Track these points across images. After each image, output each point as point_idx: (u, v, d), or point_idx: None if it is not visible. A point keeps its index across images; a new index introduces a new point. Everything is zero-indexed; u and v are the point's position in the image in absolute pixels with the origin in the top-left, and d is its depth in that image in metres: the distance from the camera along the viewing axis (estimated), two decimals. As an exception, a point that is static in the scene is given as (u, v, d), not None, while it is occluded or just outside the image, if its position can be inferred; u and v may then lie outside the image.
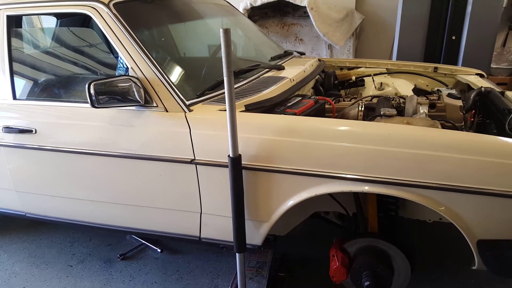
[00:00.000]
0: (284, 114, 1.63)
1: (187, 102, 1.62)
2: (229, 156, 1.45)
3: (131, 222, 1.88)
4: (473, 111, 1.87)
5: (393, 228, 1.72)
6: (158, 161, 1.63)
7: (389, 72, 2.57)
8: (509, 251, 1.32)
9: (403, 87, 2.40)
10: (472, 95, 1.95)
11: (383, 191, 1.37)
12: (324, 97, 1.89)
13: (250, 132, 1.51)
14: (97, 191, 1.82)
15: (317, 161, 1.43)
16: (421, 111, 1.66)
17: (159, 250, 2.36)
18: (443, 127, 1.56)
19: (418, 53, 3.16)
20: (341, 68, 2.59)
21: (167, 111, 1.61)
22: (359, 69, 2.56)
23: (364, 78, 2.43)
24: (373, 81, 2.34)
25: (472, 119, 1.85)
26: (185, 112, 1.59)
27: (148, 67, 1.63)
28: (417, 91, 2.32)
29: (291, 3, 3.70)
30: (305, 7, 3.61)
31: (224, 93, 1.40)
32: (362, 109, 1.80)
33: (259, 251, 2.06)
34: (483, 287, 1.95)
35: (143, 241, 2.43)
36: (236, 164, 1.47)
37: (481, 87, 2.01)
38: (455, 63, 3.09)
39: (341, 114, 1.87)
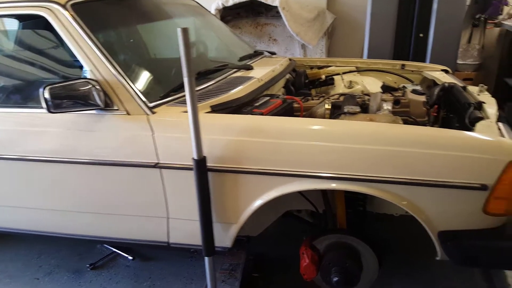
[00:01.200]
0: (251, 114, 1.61)
1: (150, 105, 1.58)
2: (193, 158, 1.42)
3: (98, 231, 1.82)
4: (436, 106, 1.90)
5: (361, 224, 1.73)
6: (121, 166, 1.58)
7: (359, 70, 2.59)
8: (467, 241, 1.36)
9: (372, 84, 2.42)
10: (436, 91, 1.98)
11: (348, 187, 1.38)
12: (292, 97, 1.89)
13: (216, 133, 1.48)
14: (61, 200, 1.75)
15: (284, 160, 1.42)
16: (385, 108, 1.68)
17: (130, 258, 2.29)
18: (406, 122, 1.58)
19: (388, 51, 3.21)
20: (311, 67, 2.60)
21: (128, 114, 1.57)
22: (329, 68, 2.57)
23: (334, 76, 2.45)
24: (342, 79, 2.36)
25: (435, 114, 1.88)
26: (148, 114, 1.55)
27: (107, 69, 1.58)
28: (385, 88, 2.35)
29: (263, 3, 3.70)
30: (277, 7, 3.62)
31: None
32: (329, 107, 1.81)
33: (232, 253, 2.03)
34: (451, 278, 1.99)
35: (114, 249, 2.36)
36: (201, 167, 1.44)
37: (445, 82, 2.05)
38: (423, 60, 3.16)
39: (309, 113, 1.87)
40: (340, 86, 2.40)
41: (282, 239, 2.33)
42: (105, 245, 2.37)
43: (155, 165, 1.54)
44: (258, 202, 1.51)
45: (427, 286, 1.96)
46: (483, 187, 1.28)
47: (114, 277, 2.18)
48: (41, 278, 2.20)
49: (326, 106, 1.81)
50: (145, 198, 1.63)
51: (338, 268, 1.57)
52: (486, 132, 1.38)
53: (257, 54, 2.41)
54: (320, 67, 2.55)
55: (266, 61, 2.34)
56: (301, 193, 1.68)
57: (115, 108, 1.57)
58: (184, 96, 1.66)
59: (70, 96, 1.46)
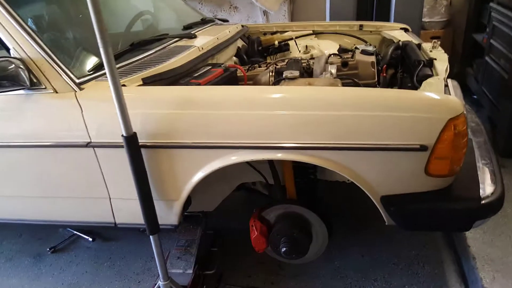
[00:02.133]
0: (188, 85, 1.53)
1: (77, 81, 1.48)
2: (122, 135, 1.35)
3: (44, 215, 1.75)
4: (385, 66, 1.83)
5: (313, 193, 1.69)
6: (54, 147, 1.50)
7: (315, 33, 2.49)
8: (411, 205, 1.31)
9: (329, 48, 2.33)
10: (390, 50, 1.91)
11: (284, 157, 1.32)
12: (235, 65, 1.79)
13: (148, 107, 1.40)
14: (4, 185, 1.68)
15: (220, 132, 1.36)
16: (328, 71, 1.60)
17: (90, 239, 2.26)
18: (347, 85, 1.51)
19: (351, 12, 3.08)
20: (265, 33, 2.48)
21: (56, 92, 1.47)
22: (285, 34, 2.46)
23: (289, 42, 2.34)
24: (297, 44, 2.26)
25: (385, 75, 1.81)
26: (75, 91, 1.46)
27: (31, 46, 1.46)
28: (342, 51, 2.26)
29: (222, -32, 3.51)
30: (236, -28, 3.44)
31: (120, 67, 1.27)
32: (273, 74, 1.72)
33: (188, 229, 2.00)
34: (412, 242, 1.99)
35: (75, 232, 2.32)
36: (131, 144, 1.36)
37: (399, 41, 1.97)
38: (387, 20, 3.05)
39: (254, 81, 1.79)
40: (296, 52, 2.30)
41: (244, 212, 2.31)
42: (68, 228, 2.33)
43: (87, 145, 1.46)
44: (199, 176, 1.45)
45: (387, 253, 1.95)
46: (422, 148, 1.21)
47: (74, 259, 2.15)
48: (2, 264, 2.16)
49: (270, 73, 1.72)
50: (83, 179, 1.56)
51: (286, 238, 1.55)
52: (430, 90, 1.32)
53: (205, 22, 2.28)
54: (274, 33, 2.44)
55: (214, 29, 2.23)
56: (250, 164, 1.63)
57: (43, 86, 1.47)
58: (118, 68, 1.58)
59: (-7, 78, 1.36)
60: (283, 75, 1.54)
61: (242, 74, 1.77)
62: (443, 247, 1.96)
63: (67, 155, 1.51)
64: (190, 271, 1.71)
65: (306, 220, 1.59)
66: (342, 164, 1.29)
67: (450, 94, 1.31)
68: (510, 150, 2.32)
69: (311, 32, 2.46)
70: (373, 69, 1.74)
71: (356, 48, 1.97)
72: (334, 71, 1.62)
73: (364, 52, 1.82)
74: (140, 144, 1.39)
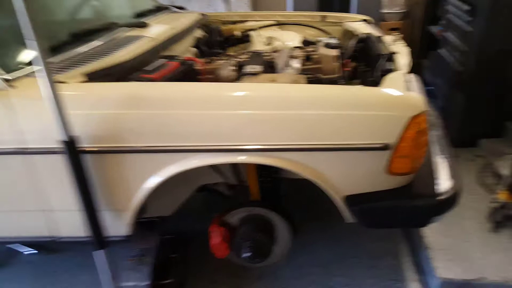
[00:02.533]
0: (139, 81, 1.38)
1: (8, 77, 1.28)
2: (60, 140, 1.18)
3: None
4: (347, 60, 1.77)
5: (276, 193, 1.61)
6: None
7: (278, 24, 2.39)
8: (373, 204, 1.28)
9: (292, 40, 2.24)
10: (352, 43, 1.85)
11: (244, 159, 1.23)
12: (192, 57, 1.65)
13: (92, 107, 1.24)
14: None
15: (177, 134, 1.23)
16: (292, 66, 1.51)
17: (33, 252, 2.03)
18: (311, 81, 1.43)
19: (313, 2, 3.01)
20: (225, 23, 2.35)
21: (-16, 92, 1.26)
22: (246, 23, 2.34)
23: (250, 32, 2.22)
24: (258, 35, 2.15)
25: (348, 69, 1.75)
26: (7, 90, 1.26)
27: None
28: (306, 43, 2.18)
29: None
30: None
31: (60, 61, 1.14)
32: (234, 68, 1.60)
33: (143, 237, 1.86)
34: (371, 236, 1.99)
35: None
36: (70, 149, 1.20)
37: (361, 33, 1.92)
38: (348, 10, 3.01)
39: (214, 76, 1.66)
40: (258, 43, 2.19)
41: (206, 212, 2.19)
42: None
43: (23, 151, 1.28)
44: (154, 181, 1.31)
45: (349, 247, 1.95)
46: (385, 147, 1.18)
47: (12, 277, 1.93)
48: None
49: (231, 66, 1.60)
50: (19, 190, 1.37)
51: (250, 242, 1.46)
52: (392, 86, 1.27)
53: (159, 9, 2.10)
54: (235, 23, 2.31)
55: (170, 17, 2.06)
56: (211, 165, 1.51)
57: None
58: (56, 64, 1.40)
59: None
60: (246, 70, 1.43)
61: (201, 67, 1.63)
62: (401, 239, 2.01)
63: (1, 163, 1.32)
64: (145, 283, 1.58)
65: (270, 222, 1.51)
66: (307, 166, 1.22)
67: (411, 90, 1.26)
68: (462, 140, 2.41)
69: (274, 22, 2.35)
70: (336, 63, 1.67)
71: (319, 41, 1.89)
72: (297, 65, 1.54)
73: (327, 45, 1.74)
74: (83, 149, 1.24)
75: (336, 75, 1.66)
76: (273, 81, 1.34)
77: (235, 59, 1.70)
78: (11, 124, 1.25)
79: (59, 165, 1.27)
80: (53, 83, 1.11)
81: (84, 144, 1.23)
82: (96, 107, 1.24)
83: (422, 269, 1.78)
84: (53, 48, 1.42)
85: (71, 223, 1.42)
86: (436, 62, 2.95)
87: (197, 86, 1.27)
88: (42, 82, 1.10)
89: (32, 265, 1.99)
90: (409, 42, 1.85)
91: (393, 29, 3.63)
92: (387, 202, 1.28)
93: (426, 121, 1.17)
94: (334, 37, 2.02)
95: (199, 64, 1.64)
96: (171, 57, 1.62)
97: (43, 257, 2.04)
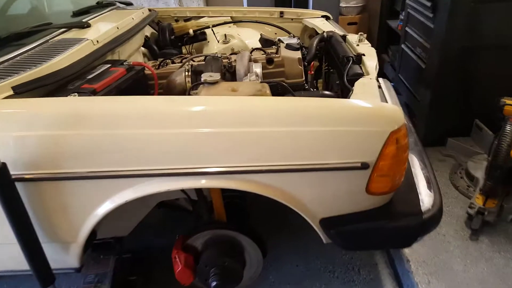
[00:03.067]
0: (78, 93, 1.19)
1: None
2: (-16, 169, 0.98)
3: None
4: (312, 63, 1.67)
5: (243, 213, 1.49)
6: None
7: (234, 22, 2.25)
8: (351, 226, 1.18)
9: (250, 37, 2.12)
10: (315, 43, 1.75)
11: (204, 184, 1.09)
12: (140, 62, 1.47)
13: (21, 128, 1.05)
14: None
15: (123, 157, 1.06)
16: (253, 71, 1.38)
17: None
18: (275, 90, 1.32)
19: (269, -4, 2.89)
20: (177, 20, 2.17)
21: None
22: (200, 20, 2.17)
23: (205, 30, 2.07)
24: (214, 33, 1.99)
25: (312, 72, 1.66)
26: None
27: None
28: (265, 42, 2.05)
29: None
30: None
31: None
32: (189, 74, 1.45)
33: (99, 261, 1.67)
34: (336, 248, 1.91)
35: None
36: (0, 178, 1.01)
37: (323, 32, 1.83)
38: (305, 5, 2.92)
39: (167, 82, 1.50)
40: (214, 42, 2.04)
41: (167, 226, 2.03)
42: None
43: None
44: (105, 207, 1.14)
45: (322, 260, 1.82)
46: (363, 166, 1.07)
47: None
48: None
49: (186, 72, 1.45)
50: None
51: (216, 269, 1.33)
52: (364, 94, 1.18)
53: (102, 6, 1.88)
54: (187, 19, 2.14)
55: (115, 15, 1.84)
56: None
57: None
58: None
59: None
60: (202, 79, 1.28)
61: (151, 72, 1.46)
62: (380, 256, 1.87)
63: None
64: (104, 315, 1.42)
65: (238, 244, 1.39)
66: (277, 188, 1.10)
67: (385, 98, 1.18)
68: (431, 139, 2.38)
69: (229, 19, 2.20)
70: (300, 67, 1.57)
71: (279, 40, 1.78)
72: (259, 71, 1.41)
73: (288, 46, 1.63)
74: (15, 177, 1.04)
75: (300, 80, 1.56)
76: (233, 90, 1.20)
77: (190, 62, 1.54)
78: None
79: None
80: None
81: (17, 171, 1.04)
82: (26, 128, 1.05)
83: (401, 282, 1.68)
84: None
85: (10, 257, 1.21)
86: (397, 57, 2.94)
87: (147, 100, 1.10)
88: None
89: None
90: (367, 36, 1.77)
91: (351, 24, 3.63)
92: (367, 223, 1.18)
93: (406, 136, 1.08)
94: (295, 36, 1.92)
95: (149, 69, 1.46)
96: (116, 62, 1.43)
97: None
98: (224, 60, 1.51)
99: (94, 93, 1.21)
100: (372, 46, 1.66)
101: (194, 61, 1.59)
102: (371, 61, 1.49)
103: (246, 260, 1.41)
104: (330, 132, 1.04)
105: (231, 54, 1.66)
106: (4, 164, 1.01)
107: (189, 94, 1.39)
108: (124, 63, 1.42)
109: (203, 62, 1.53)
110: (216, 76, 1.27)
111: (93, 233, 1.27)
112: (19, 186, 1.07)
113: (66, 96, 1.16)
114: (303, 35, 2.30)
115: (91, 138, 1.04)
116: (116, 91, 1.31)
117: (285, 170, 1.05)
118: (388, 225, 1.18)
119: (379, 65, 1.49)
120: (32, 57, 1.28)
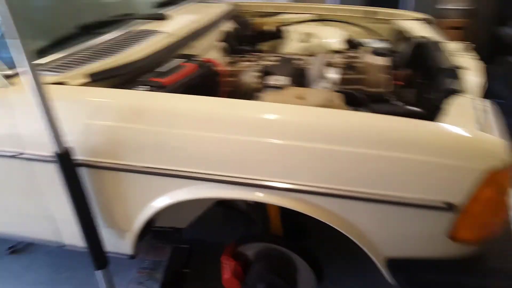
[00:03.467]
0: (146, 86, 1.19)
1: (8, 73, 1.14)
2: (53, 151, 1.02)
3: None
4: (403, 71, 1.46)
5: (301, 231, 1.38)
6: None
7: (320, 20, 2.11)
8: (424, 274, 1.00)
9: (333, 37, 1.96)
10: (410, 49, 1.54)
11: (258, 198, 1.01)
12: (210, 59, 1.43)
13: (89, 115, 1.07)
14: None
15: (182, 157, 1.03)
16: (327, 77, 1.24)
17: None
18: (349, 101, 1.16)
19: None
20: (258, 16, 2.10)
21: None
22: (283, 16, 2.08)
23: (285, 27, 1.96)
24: (294, 31, 1.88)
25: (400, 83, 1.45)
26: (6, 87, 1.12)
27: None
28: (351, 44, 1.88)
29: None
30: None
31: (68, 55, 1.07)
32: (259, 74, 1.37)
33: (157, 247, 1.70)
34: None
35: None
36: (64, 162, 1.05)
37: (418, 37, 1.60)
38: (396, 5, 2.63)
39: (236, 82, 1.44)
40: (292, 41, 1.93)
41: (225, 225, 1.99)
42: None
43: (19, 155, 1.14)
44: (161, 202, 1.13)
45: None
46: (448, 207, 0.89)
47: (31, 264, 1.86)
48: None
49: (255, 73, 1.36)
50: (25, 195, 1.25)
51: (265, 285, 1.25)
52: (459, 119, 0.97)
53: (181, -2, 1.88)
54: (269, 15, 2.05)
55: (196, 8, 1.84)
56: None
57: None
58: (58, 60, 1.23)
59: None
60: (269, 82, 1.18)
61: (221, 70, 1.41)
62: None
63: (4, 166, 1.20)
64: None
65: (291, 262, 1.28)
66: (339, 216, 0.97)
67: (488, 126, 0.96)
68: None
69: (313, 17, 2.07)
70: (385, 75, 1.38)
71: (367, 43, 1.60)
72: (334, 77, 1.27)
73: (375, 52, 1.45)
74: (79, 161, 1.08)
75: (383, 90, 1.37)
76: (300, 98, 1.09)
77: (262, 62, 1.46)
78: (9, 126, 1.13)
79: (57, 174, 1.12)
80: (40, 86, 0.95)
81: (82, 156, 1.08)
82: (93, 116, 1.07)
83: None
84: (56, 42, 1.26)
85: (71, 232, 1.28)
86: (508, 71, 2.52)
87: (212, 102, 1.05)
88: (29, 85, 0.94)
89: (51, 256, 1.90)
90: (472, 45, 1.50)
91: (453, 29, 3.20)
92: (444, 275, 0.98)
93: (509, 177, 0.86)
94: (386, 40, 1.71)
95: (219, 66, 1.41)
96: (188, 57, 1.41)
97: (61, 249, 1.96)
98: (298, 62, 1.40)
99: (161, 87, 1.20)
100: (478, 57, 1.40)
101: (266, 60, 1.51)
102: (475, 76, 1.25)
103: (297, 282, 1.30)
104: (411, 160, 0.87)
105: (308, 55, 1.53)
106: (68, 149, 1.04)
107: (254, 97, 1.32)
108: (195, 59, 1.39)
109: (275, 63, 1.44)
110: (284, 80, 1.17)
111: (150, 222, 1.28)
112: (83, 171, 1.11)
113: (134, 87, 1.17)
114: (393, 39, 2.07)
115: (153, 134, 1.03)
116: (185, 86, 1.29)
117: (350, 196, 0.92)
118: (473, 282, 0.96)
119: (487, 82, 1.25)
120: (111, 47, 1.32)
